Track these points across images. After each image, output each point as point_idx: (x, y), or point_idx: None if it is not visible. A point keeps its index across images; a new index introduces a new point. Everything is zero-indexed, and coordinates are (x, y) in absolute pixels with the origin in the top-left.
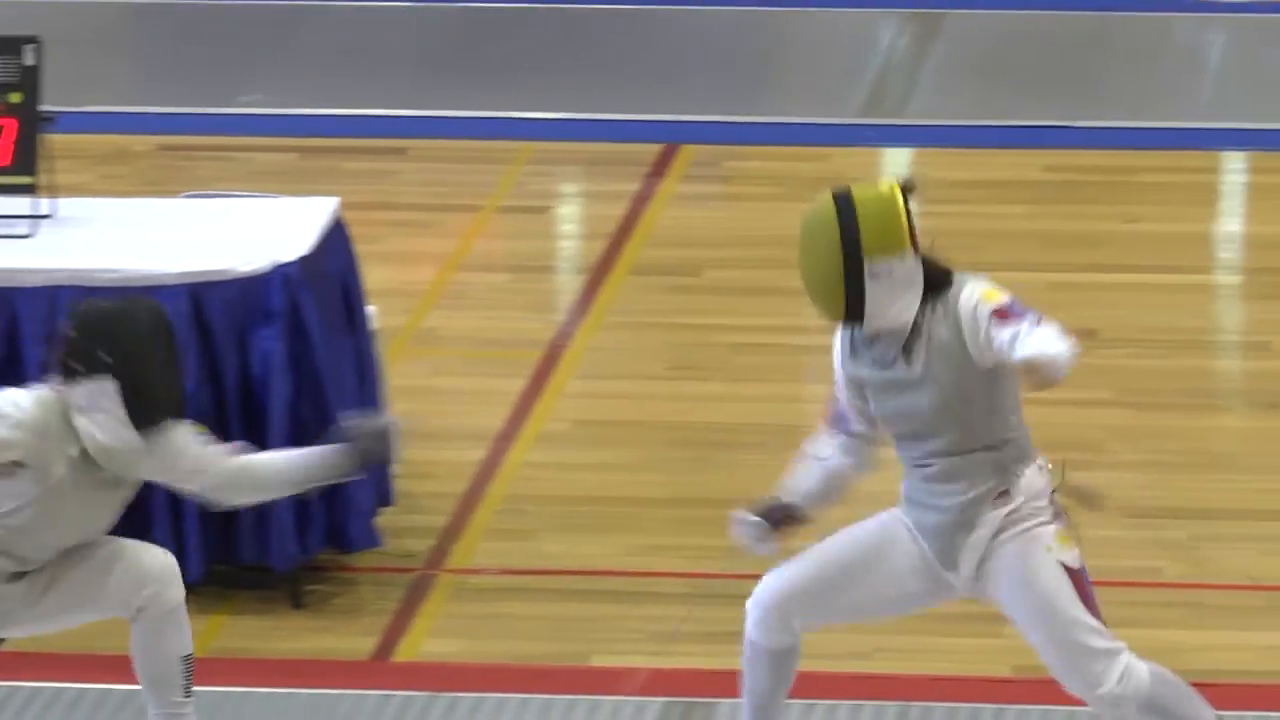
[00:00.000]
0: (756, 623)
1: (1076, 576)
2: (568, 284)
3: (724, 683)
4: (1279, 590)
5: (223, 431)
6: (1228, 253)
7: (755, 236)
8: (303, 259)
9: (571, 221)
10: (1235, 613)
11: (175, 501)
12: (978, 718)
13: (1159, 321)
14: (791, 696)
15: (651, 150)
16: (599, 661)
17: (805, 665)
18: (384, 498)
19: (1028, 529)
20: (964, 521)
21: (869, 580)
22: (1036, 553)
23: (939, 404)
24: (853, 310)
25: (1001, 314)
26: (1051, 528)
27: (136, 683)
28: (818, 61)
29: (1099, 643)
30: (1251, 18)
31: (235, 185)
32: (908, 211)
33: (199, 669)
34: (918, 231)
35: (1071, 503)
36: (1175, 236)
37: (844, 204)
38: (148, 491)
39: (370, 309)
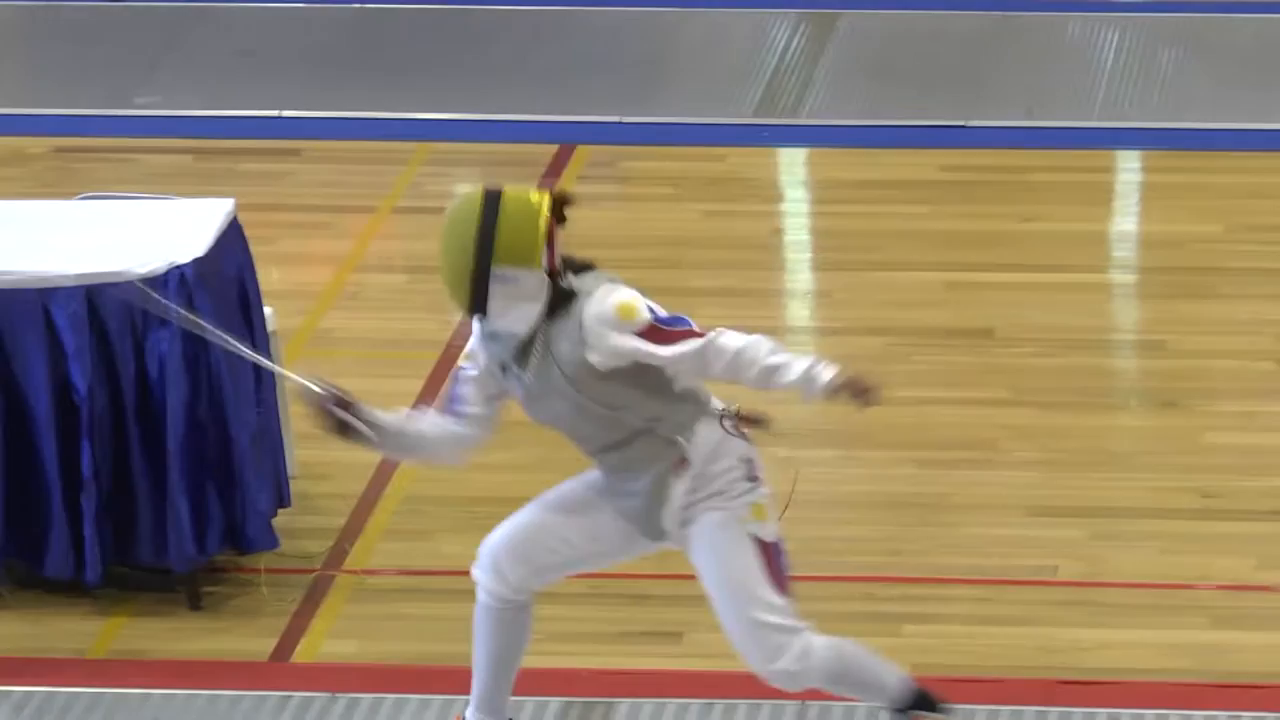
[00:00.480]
0: (480, 581)
1: (769, 550)
2: None
3: (623, 682)
4: (1175, 588)
5: (120, 433)
6: (1123, 252)
7: (651, 237)
8: (198, 260)
9: None
10: (1132, 611)
11: (73, 504)
12: (875, 716)
13: (1055, 320)
14: (688, 696)
15: (547, 151)
16: None
17: (702, 665)
18: (281, 499)
19: (724, 497)
20: (656, 498)
21: (574, 535)
22: (730, 525)
23: (574, 411)
24: (477, 305)
25: (654, 334)
26: (748, 499)
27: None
28: (713, 62)
29: (778, 619)
30: (1146, 17)
31: (131, 187)
32: (550, 227)
33: (97, 670)
34: (556, 248)
35: (747, 433)
36: (1071, 236)
37: (490, 204)
38: (45, 494)
39: (267, 310)
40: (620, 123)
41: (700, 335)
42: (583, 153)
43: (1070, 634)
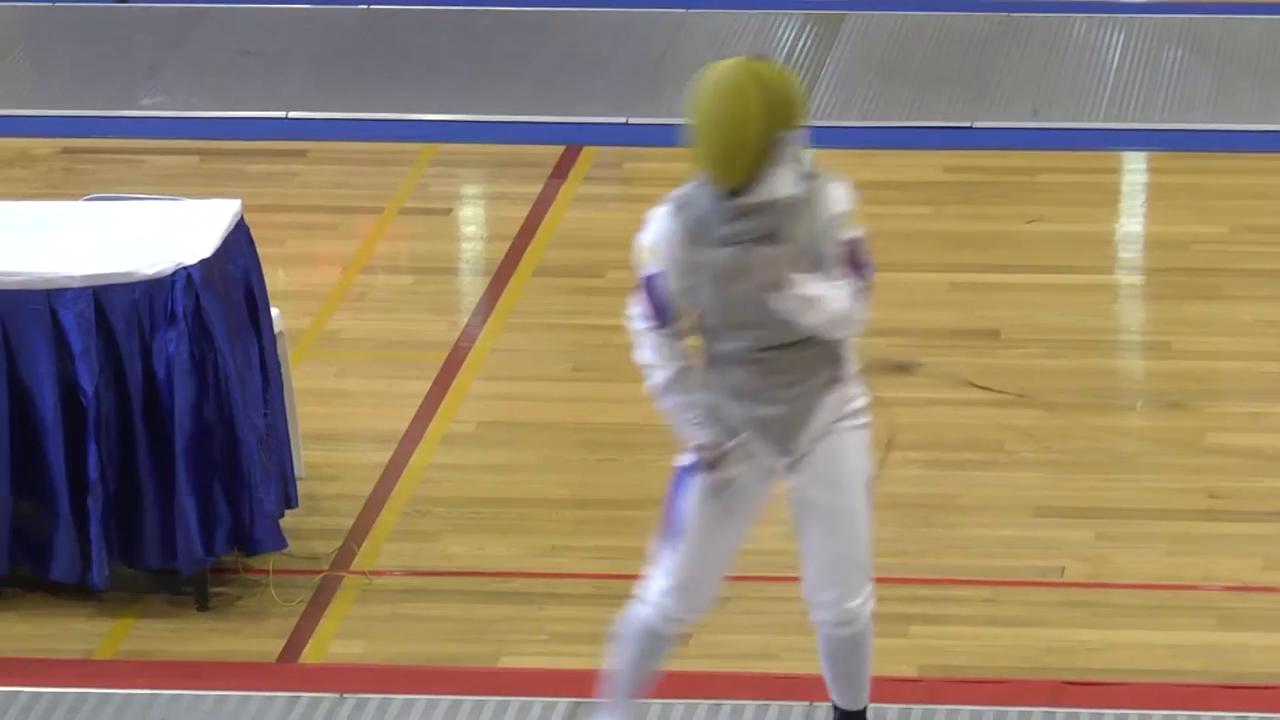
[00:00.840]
0: (676, 617)
1: (869, 489)
2: (471, 286)
3: None
4: (1181, 589)
5: (127, 435)
6: (1128, 253)
7: None
8: (205, 261)
9: (474, 223)
10: (1139, 612)
11: (80, 506)
12: (883, 717)
13: (1060, 321)
14: (696, 697)
15: (553, 152)
16: (506, 662)
17: (712, 665)
18: (288, 500)
19: (856, 427)
20: (805, 410)
21: (735, 539)
22: (857, 455)
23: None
24: (750, 177)
25: (854, 250)
26: (868, 433)
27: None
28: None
29: (867, 560)
30: (1151, 18)
31: (137, 188)
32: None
33: (104, 671)
34: None
35: (887, 376)
36: (1076, 237)
37: (757, 72)
38: (52, 496)
39: (274, 311)
40: (626, 123)
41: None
42: (588, 153)
43: (1077, 634)
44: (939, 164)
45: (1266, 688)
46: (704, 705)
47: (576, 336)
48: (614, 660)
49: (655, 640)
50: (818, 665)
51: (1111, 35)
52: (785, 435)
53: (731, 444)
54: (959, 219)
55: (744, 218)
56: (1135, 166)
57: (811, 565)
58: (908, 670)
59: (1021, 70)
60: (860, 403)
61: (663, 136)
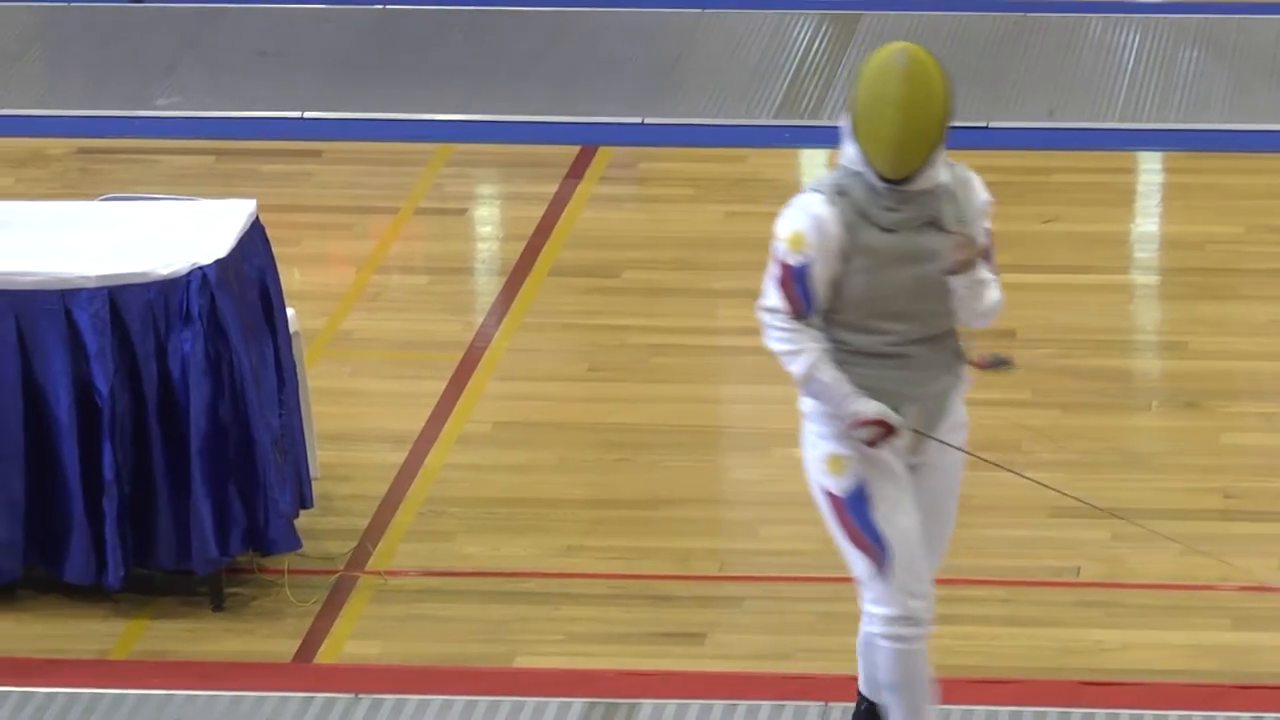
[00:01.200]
0: (920, 619)
1: None
2: (486, 286)
3: (646, 683)
4: (1196, 590)
5: (141, 435)
6: (1144, 253)
7: (673, 238)
8: (221, 261)
9: (489, 223)
10: (1153, 612)
11: (94, 507)
12: None
13: (1076, 321)
14: (711, 697)
15: (569, 152)
16: (521, 662)
17: (727, 666)
18: (303, 500)
19: (962, 427)
20: (938, 409)
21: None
22: (960, 467)
23: (925, 282)
24: (925, 163)
25: (990, 243)
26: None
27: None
28: (734, 63)
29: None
30: (1167, 18)
31: (153, 188)
32: None
33: (119, 671)
34: None
35: (988, 373)
36: (1092, 237)
37: (935, 60)
38: (66, 497)
39: (289, 311)
40: (641, 124)
41: None
42: (604, 154)
43: (1093, 635)
44: None
45: None
46: (719, 705)
47: (592, 336)
48: (895, 699)
49: (912, 656)
50: (832, 665)
51: (1127, 35)
52: (917, 440)
53: (902, 419)
54: None
55: (909, 204)
56: (1151, 166)
57: (933, 564)
58: None
59: (1037, 70)
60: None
61: (678, 136)
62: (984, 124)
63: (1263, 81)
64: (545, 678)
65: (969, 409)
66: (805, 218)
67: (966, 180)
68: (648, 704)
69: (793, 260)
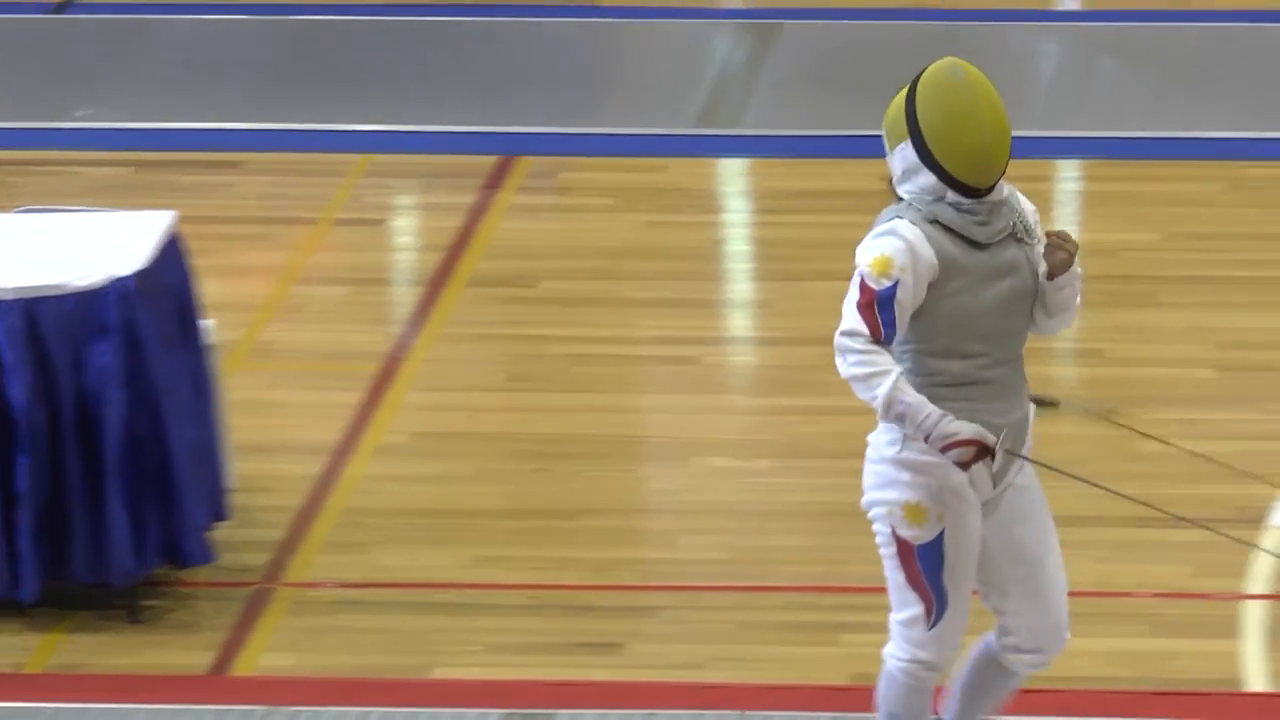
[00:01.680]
0: (945, 665)
1: None
2: (405, 296)
3: (564, 693)
4: (1114, 597)
5: (57, 448)
6: None
7: (591, 247)
8: (139, 273)
9: (408, 234)
10: (1071, 620)
11: (9, 520)
12: None
13: None
14: (628, 707)
15: (487, 162)
16: (439, 674)
17: (644, 675)
18: (219, 512)
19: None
20: (1021, 436)
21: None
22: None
23: (1019, 297)
24: (1006, 168)
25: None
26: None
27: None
28: (653, 72)
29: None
30: (1084, 26)
31: (70, 200)
32: None
33: (33, 685)
34: None
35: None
36: None
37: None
38: None
39: (207, 323)
40: (561, 133)
41: None
42: (523, 164)
43: None
44: (876, 173)
45: (1198, 694)
46: (637, 715)
47: (510, 347)
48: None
49: (925, 694)
50: (749, 674)
51: (1046, 44)
52: (1005, 464)
53: (1000, 440)
54: None
55: (996, 216)
56: (1069, 174)
57: (1057, 601)
58: (839, 679)
59: None
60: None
61: (598, 146)
62: None
63: (1179, 89)
64: (463, 689)
65: None
66: (895, 241)
67: (1013, 191)
68: (565, 714)
69: (878, 285)
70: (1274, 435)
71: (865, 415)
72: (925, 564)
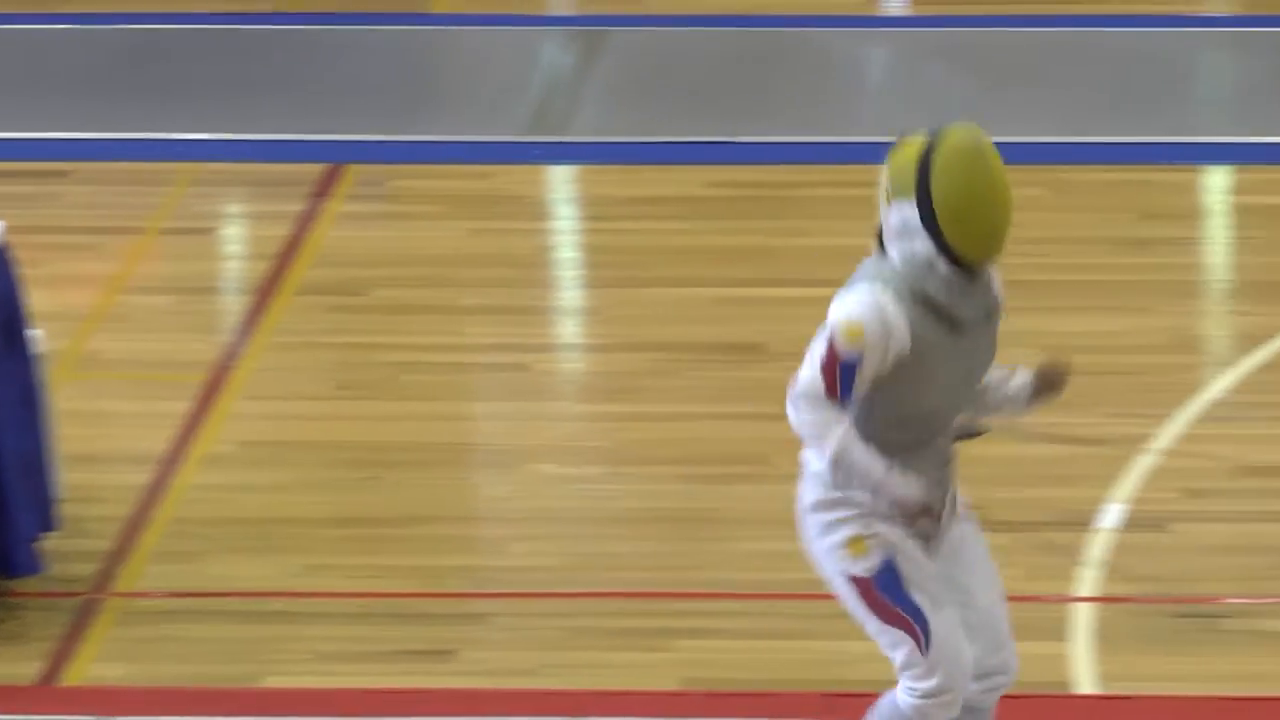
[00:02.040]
0: (959, 685)
1: None
2: (233, 305)
3: (395, 701)
4: None
5: None
6: None
7: (420, 255)
8: None
9: (236, 242)
10: None
11: None
12: None
13: None
14: (460, 714)
15: (315, 170)
16: (270, 682)
17: (475, 683)
18: (48, 523)
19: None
20: (954, 496)
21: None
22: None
23: (983, 366)
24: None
25: None
26: None
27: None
28: (481, 80)
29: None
30: (913, 31)
31: None
32: None
33: None
34: None
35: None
36: (839, 250)
37: None
38: None
39: (35, 333)
40: (389, 141)
41: None
42: (351, 172)
43: (843, 647)
44: (702, 179)
45: (1029, 697)
46: None
47: (339, 355)
48: None
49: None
50: (580, 680)
51: (873, 48)
52: (941, 522)
53: (941, 505)
54: (722, 233)
55: (981, 293)
56: None
57: (1005, 638)
58: (672, 684)
59: (784, 86)
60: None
61: (426, 154)
62: (730, 139)
63: (1004, 93)
64: (293, 697)
65: (718, 422)
66: (871, 311)
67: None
68: None
69: (845, 351)
70: (1099, 439)
71: (695, 422)
72: (888, 591)
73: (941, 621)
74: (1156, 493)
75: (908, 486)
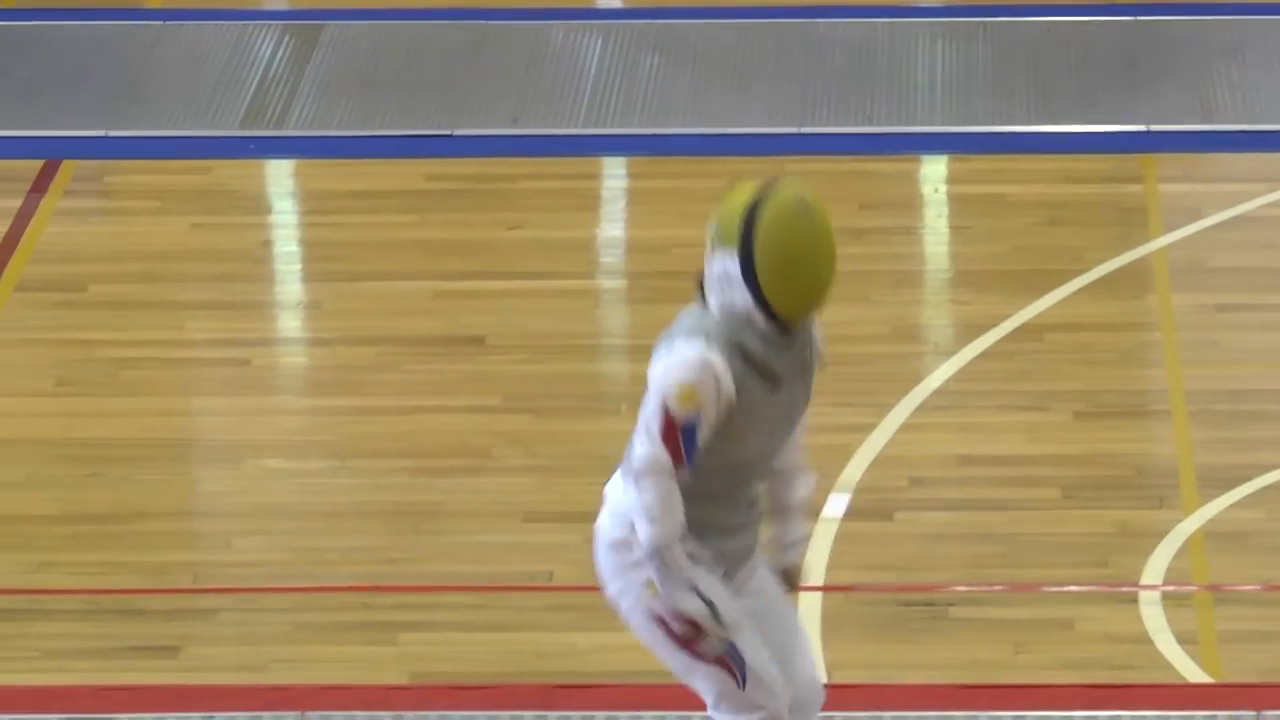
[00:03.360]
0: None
1: None
2: None
3: (121, 698)
4: None
5: None
6: (610, 257)
7: (138, 251)
8: None
9: None
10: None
11: None
12: None
13: (545, 327)
14: (186, 710)
15: (31, 166)
16: None
17: (201, 679)
18: None
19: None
20: (759, 534)
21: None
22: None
23: (800, 413)
24: None
25: None
26: None
27: None
28: (197, 74)
29: None
30: (628, 24)
31: None
32: None
33: None
34: None
35: None
36: (558, 242)
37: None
38: None
39: None
40: (105, 136)
41: None
42: (68, 167)
43: (567, 638)
44: (420, 172)
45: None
46: (195, 718)
47: (59, 351)
48: None
49: None
50: (306, 675)
51: (589, 42)
52: (748, 562)
53: (712, 621)
54: (441, 227)
55: (799, 347)
56: (615, 171)
57: (796, 660)
58: (398, 678)
59: (500, 78)
60: None
61: (142, 149)
62: (448, 132)
63: (722, 85)
64: (19, 695)
65: (441, 415)
66: (700, 371)
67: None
68: (124, 718)
69: (682, 414)
70: (831, 428)
71: (417, 415)
72: (690, 647)
73: (756, 655)
74: (881, 481)
75: (693, 604)
